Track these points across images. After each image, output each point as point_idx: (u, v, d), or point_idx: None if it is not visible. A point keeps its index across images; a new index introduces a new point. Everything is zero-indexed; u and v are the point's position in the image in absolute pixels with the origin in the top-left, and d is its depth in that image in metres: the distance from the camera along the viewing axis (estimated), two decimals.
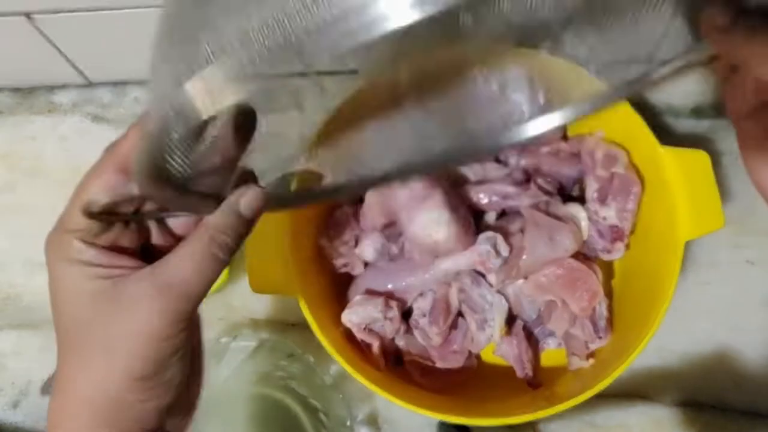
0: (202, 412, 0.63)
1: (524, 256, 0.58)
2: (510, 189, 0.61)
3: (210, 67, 0.24)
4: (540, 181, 0.61)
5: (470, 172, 0.64)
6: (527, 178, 0.62)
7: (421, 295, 0.61)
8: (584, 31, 0.36)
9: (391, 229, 0.61)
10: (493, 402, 0.60)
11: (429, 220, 0.56)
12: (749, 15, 0.29)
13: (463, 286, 0.61)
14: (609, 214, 0.61)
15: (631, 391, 0.64)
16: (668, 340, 0.65)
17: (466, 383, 0.63)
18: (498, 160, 0.66)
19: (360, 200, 0.65)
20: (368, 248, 0.60)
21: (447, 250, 0.58)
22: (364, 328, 0.59)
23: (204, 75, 0.24)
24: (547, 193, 0.61)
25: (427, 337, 0.61)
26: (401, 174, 0.42)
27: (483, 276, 0.61)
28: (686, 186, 0.56)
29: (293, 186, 0.51)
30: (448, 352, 0.62)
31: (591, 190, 0.62)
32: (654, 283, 0.56)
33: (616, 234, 0.61)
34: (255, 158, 0.34)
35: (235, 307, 0.69)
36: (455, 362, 0.61)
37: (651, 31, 0.33)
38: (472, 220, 0.61)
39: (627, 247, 0.62)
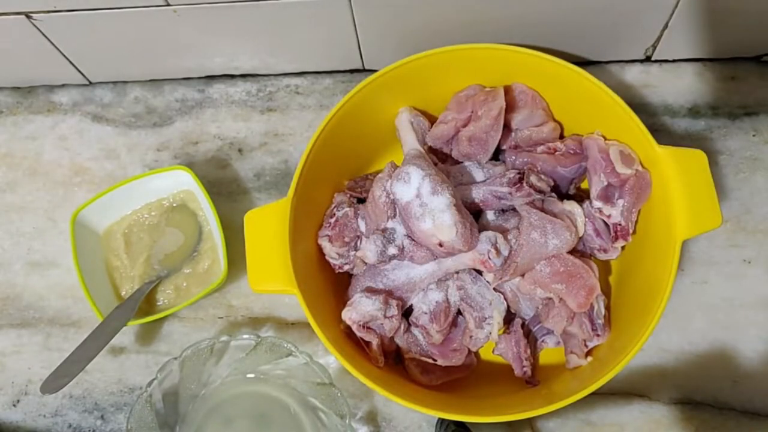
0: (202, 411, 0.64)
1: (521, 254, 0.59)
2: (503, 189, 0.61)
3: None
4: (533, 179, 0.61)
5: (469, 171, 0.64)
6: (521, 177, 0.62)
7: (421, 293, 0.62)
8: None
9: (391, 229, 0.62)
10: (492, 400, 0.60)
11: (437, 222, 0.56)
12: None
13: (462, 284, 0.61)
14: (614, 212, 0.61)
15: (629, 390, 0.64)
16: (665, 338, 0.65)
17: (465, 381, 0.63)
18: (496, 159, 0.66)
19: (360, 201, 0.65)
20: (370, 250, 0.60)
21: (451, 250, 0.58)
22: (363, 326, 0.59)
23: None
24: (540, 191, 0.61)
25: (427, 335, 0.61)
26: None
27: (481, 274, 0.61)
28: (683, 185, 0.56)
29: None
30: (448, 350, 0.62)
31: (596, 189, 0.61)
32: (651, 282, 0.56)
33: (620, 232, 0.61)
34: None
35: (234, 306, 0.69)
36: (456, 360, 0.62)
37: None
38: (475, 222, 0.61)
39: (623, 246, 0.62)
